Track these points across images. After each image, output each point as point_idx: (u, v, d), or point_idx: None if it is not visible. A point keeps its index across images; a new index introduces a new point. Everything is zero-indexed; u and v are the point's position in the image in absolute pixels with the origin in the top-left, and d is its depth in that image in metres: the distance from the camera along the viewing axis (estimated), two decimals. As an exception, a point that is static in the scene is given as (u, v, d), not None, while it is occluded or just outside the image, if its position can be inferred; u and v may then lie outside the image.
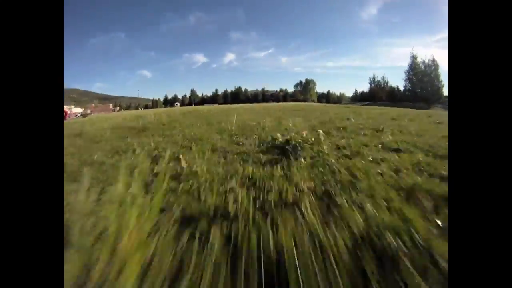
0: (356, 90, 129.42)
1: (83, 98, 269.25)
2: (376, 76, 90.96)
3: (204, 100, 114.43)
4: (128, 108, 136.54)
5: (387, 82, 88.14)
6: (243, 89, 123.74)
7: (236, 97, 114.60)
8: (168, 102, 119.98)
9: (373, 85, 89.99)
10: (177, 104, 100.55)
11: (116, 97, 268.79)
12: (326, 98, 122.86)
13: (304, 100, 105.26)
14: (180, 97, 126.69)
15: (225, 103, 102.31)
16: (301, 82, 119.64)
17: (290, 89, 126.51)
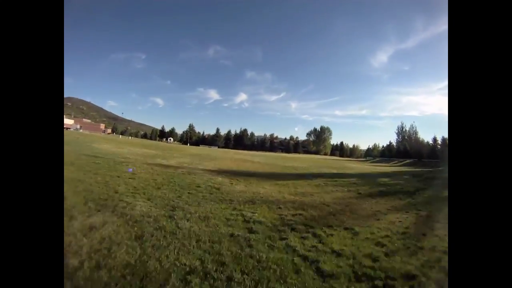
0: (376, 144, 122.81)
1: (91, 112, 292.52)
2: (404, 125, 74.98)
3: (203, 139, 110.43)
4: (123, 133, 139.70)
5: (417, 132, 72.48)
6: (249, 132, 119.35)
7: (240, 140, 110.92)
8: (164, 136, 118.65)
9: (399, 137, 75.48)
10: (170, 139, 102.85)
11: (125, 120, 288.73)
12: (340, 150, 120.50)
13: (316, 152, 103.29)
14: (181, 131, 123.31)
15: (226, 146, 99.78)
16: (315, 130, 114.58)
17: (302, 137, 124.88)
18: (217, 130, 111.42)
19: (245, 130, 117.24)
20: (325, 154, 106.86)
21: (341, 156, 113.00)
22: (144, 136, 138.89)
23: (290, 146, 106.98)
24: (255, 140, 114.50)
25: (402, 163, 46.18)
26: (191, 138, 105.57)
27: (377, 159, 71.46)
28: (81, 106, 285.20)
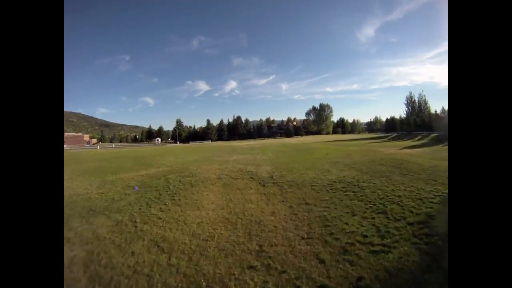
0: (377, 118, 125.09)
1: (82, 123, 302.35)
2: (413, 95, 74.20)
3: (195, 134, 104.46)
4: (111, 140, 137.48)
5: (427, 102, 71.72)
6: (243, 119, 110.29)
7: (235, 129, 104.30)
8: (152, 136, 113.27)
9: (409, 108, 74.09)
10: (157, 140, 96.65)
11: (117, 125, 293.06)
12: (342, 127, 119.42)
13: (318, 132, 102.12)
14: (172, 128, 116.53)
15: (220, 138, 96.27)
16: (314, 108, 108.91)
17: (300, 116, 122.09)
18: (208, 121, 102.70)
19: (239, 117, 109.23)
20: (327, 133, 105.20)
21: (343, 133, 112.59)
22: (135, 139, 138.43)
23: (290, 128, 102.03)
24: (251, 127, 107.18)
25: (429, 138, 39.47)
26: (180, 135, 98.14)
27: (393, 134, 66.14)
28: (70, 119, 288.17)
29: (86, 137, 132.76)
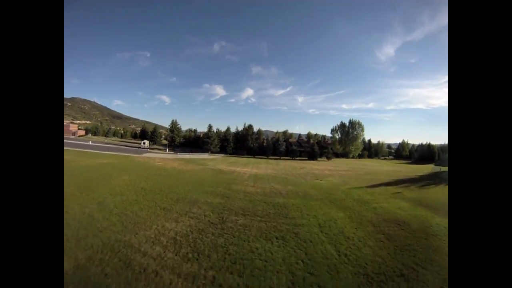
0: (405, 141, 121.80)
1: (92, 111, 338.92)
2: None
3: (196, 140, 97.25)
4: (107, 134, 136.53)
5: None
6: (255, 129, 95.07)
7: (243, 141, 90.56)
8: (145, 136, 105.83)
9: None
10: (144, 143, 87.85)
11: (130, 118, 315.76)
12: (368, 149, 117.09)
13: (344, 154, 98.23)
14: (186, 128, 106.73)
15: (223, 150, 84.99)
16: (343, 125, 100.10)
17: (314, 131, 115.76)
18: (209, 127, 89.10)
19: (250, 126, 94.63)
20: (353, 157, 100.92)
21: (369, 157, 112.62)
22: (135, 135, 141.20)
23: (315, 149, 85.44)
24: (264, 139, 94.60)
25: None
26: (173, 140, 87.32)
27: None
28: (83, 106, 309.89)
29: (73, 127, 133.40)
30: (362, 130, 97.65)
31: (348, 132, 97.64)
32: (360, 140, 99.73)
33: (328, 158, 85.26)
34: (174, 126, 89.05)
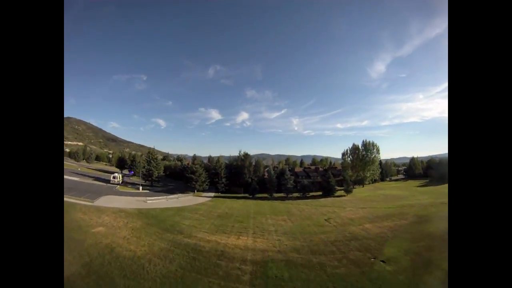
0: (415, 158, 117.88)
1: (86, 133, 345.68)
2: None
3: (182, 170, 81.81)
4: (88, 159, 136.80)
5: None
6: (253, 157, 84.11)
7: (238, 174, 77.54)
8: (123, 164, 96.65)
9: None
10: (114, 177, 72.88)
11: (125, 141, 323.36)
12: (381, 171, 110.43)
13: (359, 181, 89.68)
14: (180, 153, 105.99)
15: (214, 186, 74.44)
16: (355, 147, 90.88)
17: (312, 153, 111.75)
18: (193, 159, 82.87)
19: (246, 155, 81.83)
20: (363, 185, 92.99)
21: (381, 180, 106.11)
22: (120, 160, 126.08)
23: (332, 181, 66.12)
24: (265, 172, 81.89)
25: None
26: (150, 174, 74.74)
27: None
28: (76, 127, 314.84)
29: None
30: (378, 152, 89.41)
31: (363, 155, 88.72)
32: (377, 164, 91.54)
33: (347, 192, 67.02)
34: (152, 157, 77.07)
